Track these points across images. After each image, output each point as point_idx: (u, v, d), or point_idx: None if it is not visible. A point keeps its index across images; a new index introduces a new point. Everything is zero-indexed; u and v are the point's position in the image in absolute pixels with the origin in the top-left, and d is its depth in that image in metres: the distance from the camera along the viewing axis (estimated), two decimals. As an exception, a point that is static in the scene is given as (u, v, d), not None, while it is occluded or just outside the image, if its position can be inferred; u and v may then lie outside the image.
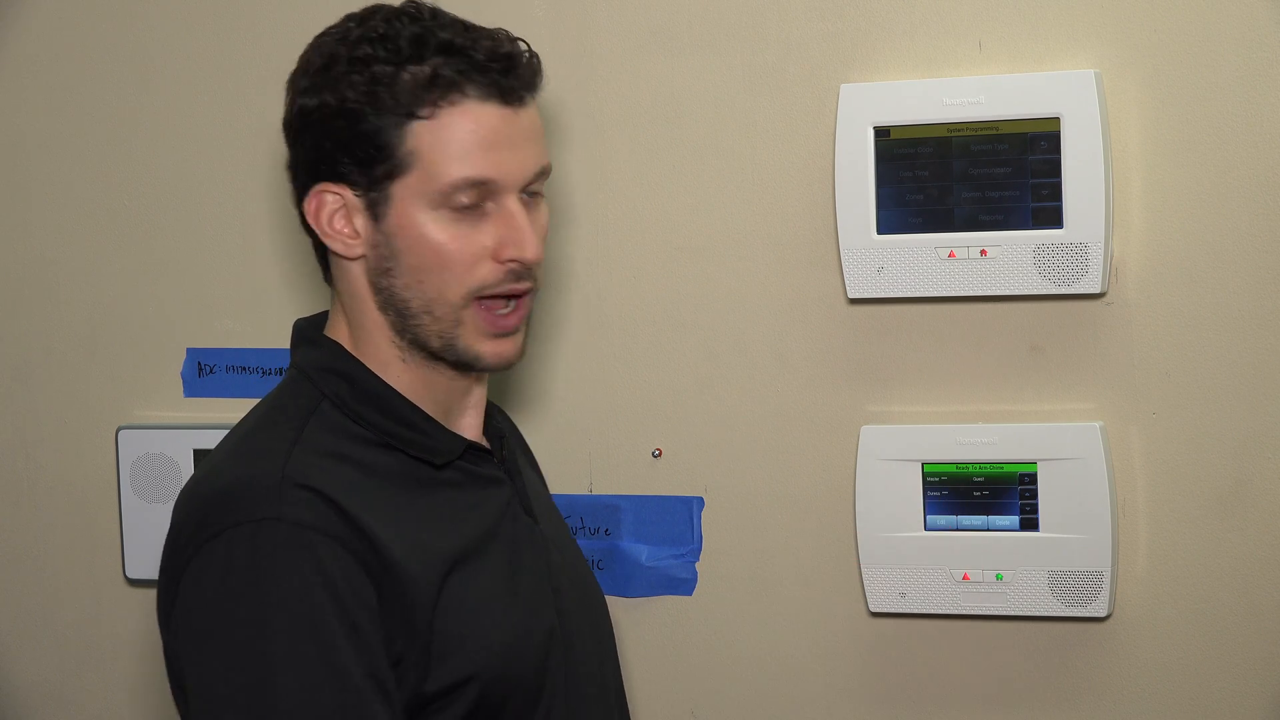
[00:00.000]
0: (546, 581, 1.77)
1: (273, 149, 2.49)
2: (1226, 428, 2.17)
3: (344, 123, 1.66)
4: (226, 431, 1.75)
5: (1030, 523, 2.19)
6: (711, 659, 2.37)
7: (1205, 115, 2.14)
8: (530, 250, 1.67)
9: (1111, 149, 2.15)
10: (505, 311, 1.70)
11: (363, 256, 1.70)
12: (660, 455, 2.37)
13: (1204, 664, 2.19)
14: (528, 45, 1.72)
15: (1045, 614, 2.20)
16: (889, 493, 2.23)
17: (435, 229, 1.67)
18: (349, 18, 1.71)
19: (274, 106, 2.46)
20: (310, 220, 1.71)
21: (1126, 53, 2.16)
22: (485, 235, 1.67)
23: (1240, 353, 2.16)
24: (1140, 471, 2.19)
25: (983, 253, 2.17)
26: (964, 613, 2.23)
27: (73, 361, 2.62)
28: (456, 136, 1.66)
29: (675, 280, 2.36)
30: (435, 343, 1.70)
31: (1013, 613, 2.21)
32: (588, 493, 2.40)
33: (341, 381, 1.73)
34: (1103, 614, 2.18)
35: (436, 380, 1.74)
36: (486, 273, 1.68)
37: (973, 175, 2.17)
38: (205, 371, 2.54)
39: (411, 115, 1.65)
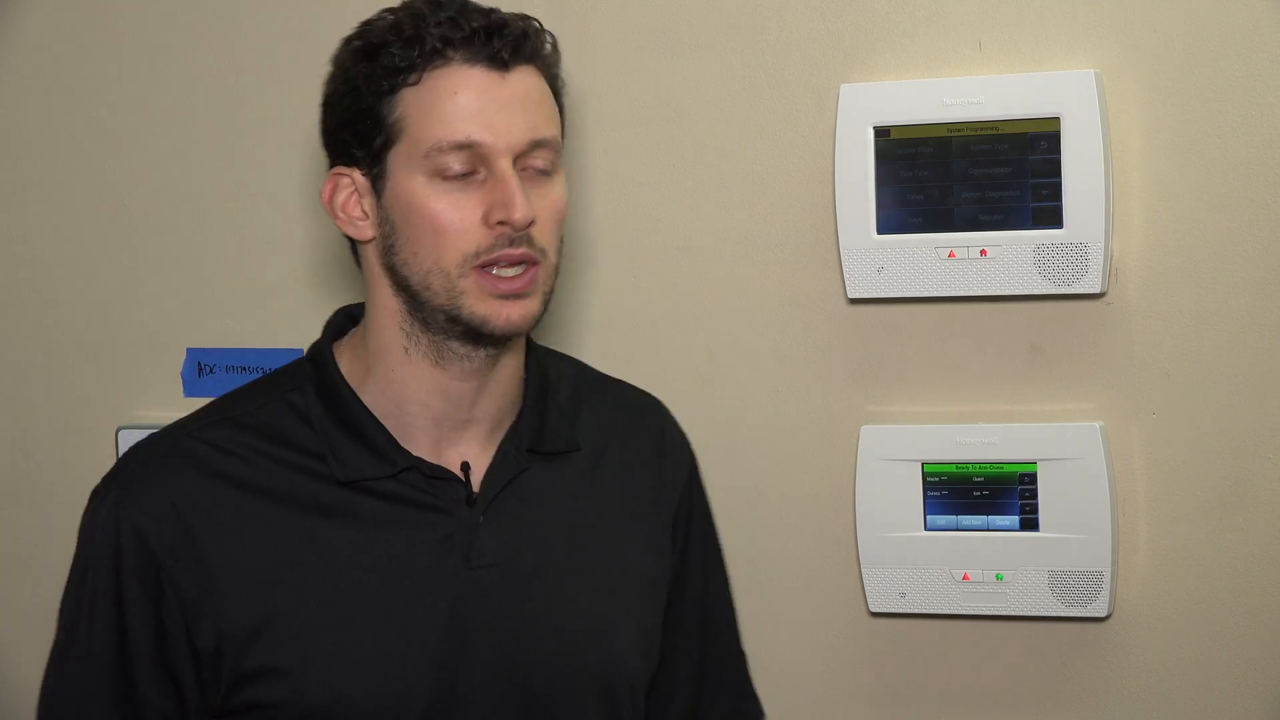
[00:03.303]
0: (449, 636, 1.70)
1: (273, 148, 2.49)
2: (1226, 428, 2.17)
3: (348, 102, 1.69)
4: None
5: (1030, 523, 2.19)
6: (711, 659, 2.37)
7: (1205, 115, 2.14)
8: (518, 211, 1.64)
9: (1111, 149, 2.15)
10: (511, 274, 1.67)
11: (373, 239, 1.71)
12: (660, 455, 2.37)
13: (1204, 664, 2.19)
14: (538, 22, 1.72)
15: (1045, 614, 2.20)
16: (889, 493, 2.23)
17: (427, 197, 1.66)
18: (384, 11, 1.74)
19: (274, 106, 2.48)
20: (325, 206, 1.73)
21: (1126, 53, 2.16)
22: (477, 202, 1.66)
23: (1240, 353, 2.16)
24: (1140, 471, 2.19)
25: (983, 253, 2.17)
26: (964, 613, 2.23)
27: (73, 361, 2.61)
28: (440, 100, 1.65)
29: (675, 280, 2.36)
30: (440, 317, 1.68)
31: (1013, 613, 2.21)
32: (588, 493, 2.40)
33: (314, 372, 1.76)
34: (1103, 614, 2.18)
35: (434, 380, 1.72)
36: (479, 237, 1.65)
37: (973, 175, 2.17)
38: (205, 371, 2.54)
39: (400, 84, 1.66)
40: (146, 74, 2.55)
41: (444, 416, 1.74)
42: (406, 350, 1.72)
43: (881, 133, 2.20)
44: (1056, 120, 2.13)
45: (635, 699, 1.82)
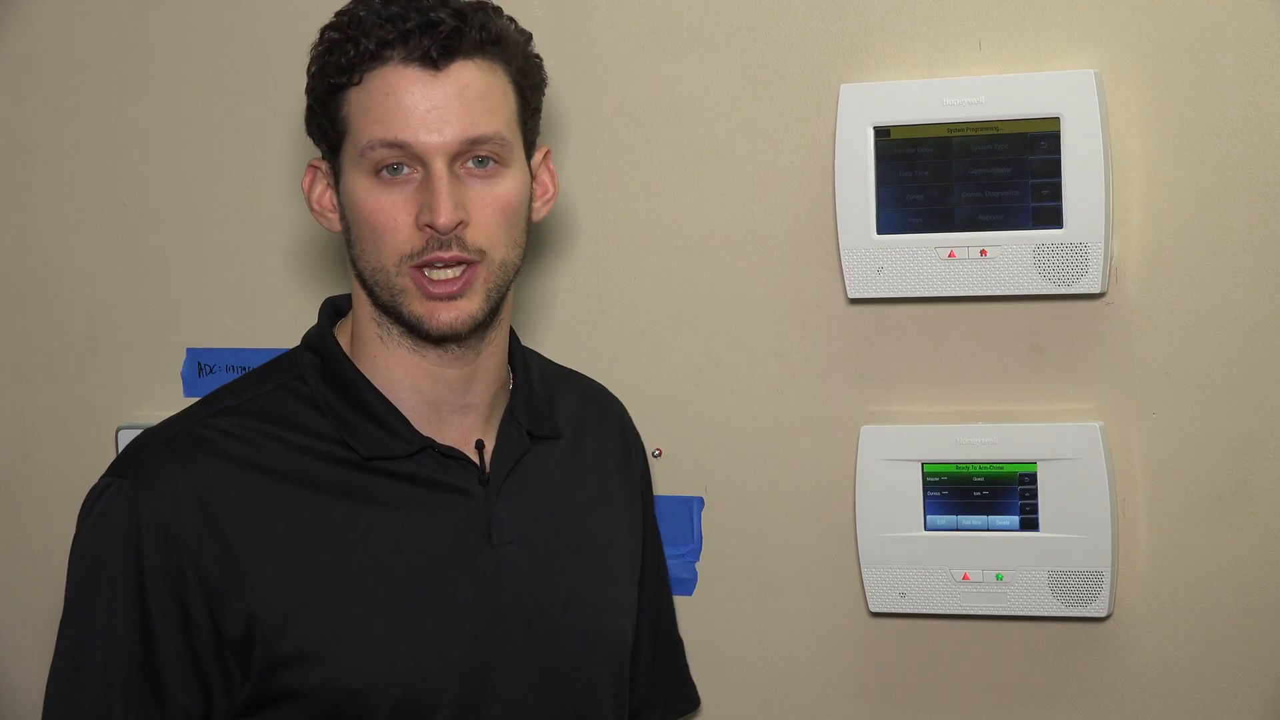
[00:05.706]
0: (477, 613, 1.73)
1: (274, 148, 2.49)
2: (1226, 428, 2.17)
3: (312, 98, 1.73)
4: None
5: (1030, 523, 2.19)
6: (711, 659, 2.37)
7: (1205, 115, 2.14)
8: (442, 216, 1.66)
9: (1111, 149, 2.15)
10: (442, 277, 1.68)
11: (341, 231, 1.75)
12: (660, 455, 2.37)
13: (1204, 664, 2.19)
14: (493, 10, 1.73)
15: (1045, 614, 2.20)
16: (889, 493, 2.23)
17: (366, 195, 1.69)
18: (346, 6, 1.76)
19: (274, 105, 2.48)
20: (305, 196, 1.78)
21: (1126, 53, 2.16)
22: (412, 203, 1.68)
23: (1240, 353, 2.16)
24: (1140, 471, 2.19)
25: (983, 253, 2.17)
26: (964, 613, 2.23)
27: (73, 361, 2.62)
28: (374, 99, 1.68)
29: (675, 280, 2.36)
30: (391, 312, 1.71)
31: (1013, 613, 2.21)
32: (588, 493, 2.40)
33: (315, 358, 1.77)
34: (1103, 614, 2.18)
35: (418, 366, 1.75)
36: (412, 238, 1.68)
37: (973, 175, 2.17)
38: (205, 371, 2.54)
39: (345, 83, 1.69)
40: (147, 73, 2.55)
41: (440, 401, 1.76)
42: (382, 339, 1.74)
43: (881, 133, 2.20)
44: (1056, 120, 2.13)
45: (626, 670, 1.90)
